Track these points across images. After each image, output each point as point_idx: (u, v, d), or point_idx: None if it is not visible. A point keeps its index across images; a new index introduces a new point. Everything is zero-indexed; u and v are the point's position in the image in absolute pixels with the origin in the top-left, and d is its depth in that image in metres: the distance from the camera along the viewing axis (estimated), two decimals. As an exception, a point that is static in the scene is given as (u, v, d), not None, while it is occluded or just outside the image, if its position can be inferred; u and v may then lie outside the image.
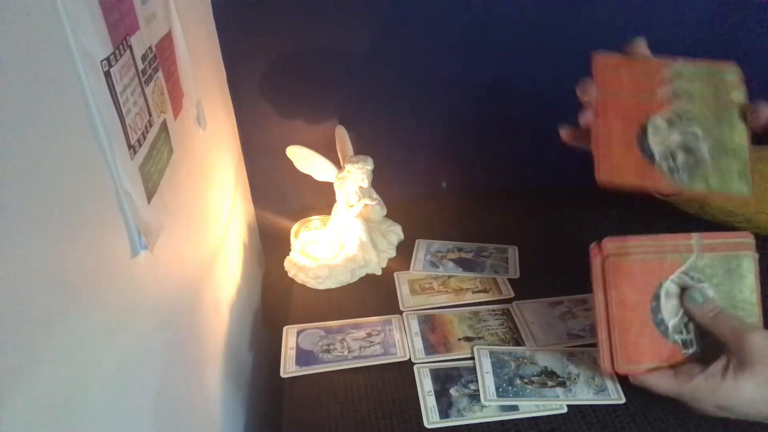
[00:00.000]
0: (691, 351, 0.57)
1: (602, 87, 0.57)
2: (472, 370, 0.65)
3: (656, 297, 0.57)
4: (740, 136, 0.56)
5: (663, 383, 0.56)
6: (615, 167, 0.56)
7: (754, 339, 0.52)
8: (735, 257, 0.58)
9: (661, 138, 0.56)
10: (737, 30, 0.87)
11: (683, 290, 0.58)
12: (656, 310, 0.57)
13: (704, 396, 0.53)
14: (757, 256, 0.58)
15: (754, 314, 0.58)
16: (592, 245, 0.59)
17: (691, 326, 0.57)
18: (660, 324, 0.57)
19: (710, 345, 0.57)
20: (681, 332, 0.57)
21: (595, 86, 0.57)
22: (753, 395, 0.51)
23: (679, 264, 0.57)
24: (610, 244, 0.58)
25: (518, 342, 0.69)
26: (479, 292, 0.78)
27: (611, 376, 0.62)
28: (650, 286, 0.57)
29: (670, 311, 0.57)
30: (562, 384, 0.62)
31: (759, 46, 0.88)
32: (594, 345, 0.65)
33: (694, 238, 0.58)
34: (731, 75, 0.56)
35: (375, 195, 0.84)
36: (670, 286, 0.57)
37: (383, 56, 0.85)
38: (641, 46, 0.58)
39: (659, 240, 0.58)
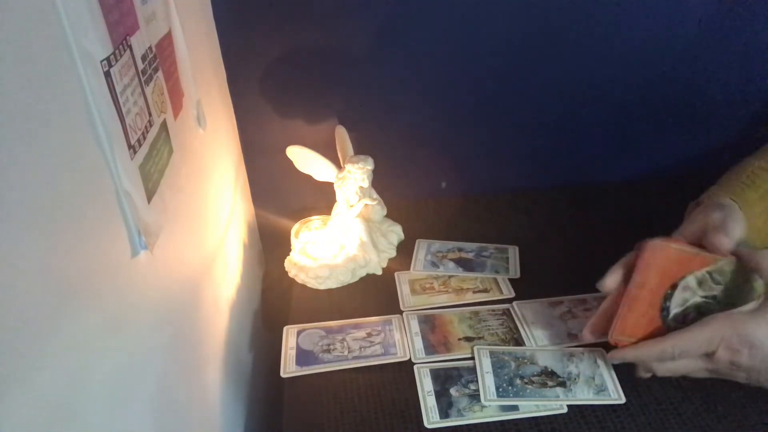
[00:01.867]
0: None
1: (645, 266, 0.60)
2: (472, 370, 0.65)
3: (674, 286, 0.59)
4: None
5: (647, 348, 0.57)
6: (629, 327, 0.59)
7: None
8: (752, 278, 0.59)
9: (684, 299, 0.59)
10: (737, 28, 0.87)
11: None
12: (668, 297, 0.59)
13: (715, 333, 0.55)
14: None
15: None
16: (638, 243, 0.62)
17: (689, 319, 0.59)
18: (663, 309, 0.59)
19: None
20: (677, 320, 0.59)
21: (638, 269, 0.60)
22: None
23: (710, 262, 0.59)
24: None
25: (518, 342, 0.69)
26: (480, 292, 0.78)
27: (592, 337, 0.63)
28: (675, 276, 0.59)
29: (679, 301, 0.59)
30: (562, 384, 0.62)
31: (759, 45, 0.89)
32: (594, 345, 0.66)
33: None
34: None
35: (375, 195, 0.84)
36: (690, 281, 0.59)
37: (383, 56, 0.85)
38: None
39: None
